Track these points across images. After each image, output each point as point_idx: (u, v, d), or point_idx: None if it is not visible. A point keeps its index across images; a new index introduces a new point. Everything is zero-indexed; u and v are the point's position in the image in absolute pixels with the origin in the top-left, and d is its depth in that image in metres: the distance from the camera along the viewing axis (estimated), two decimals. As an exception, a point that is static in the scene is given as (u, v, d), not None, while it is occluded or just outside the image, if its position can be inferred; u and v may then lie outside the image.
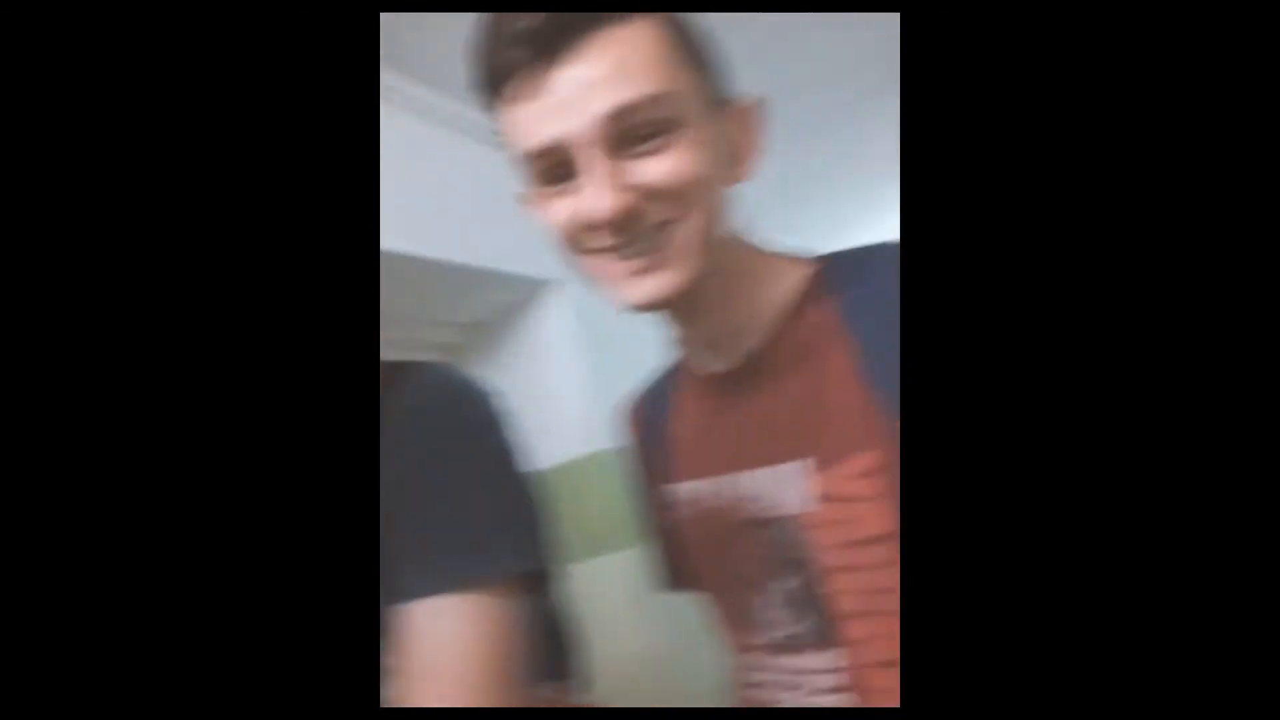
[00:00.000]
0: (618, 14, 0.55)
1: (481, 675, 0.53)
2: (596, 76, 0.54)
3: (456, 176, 1.87)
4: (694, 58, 0.60)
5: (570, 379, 2.00)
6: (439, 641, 0.53)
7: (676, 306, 0.62)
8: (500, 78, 0.58)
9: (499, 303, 2.06)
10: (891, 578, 0.57)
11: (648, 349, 1.95)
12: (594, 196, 0.55)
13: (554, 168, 0.57)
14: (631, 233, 0.56)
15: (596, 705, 0.62)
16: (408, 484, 0.57)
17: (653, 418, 0.80)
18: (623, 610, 1.83)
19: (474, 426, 0.61)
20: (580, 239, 0.59)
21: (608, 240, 0.57)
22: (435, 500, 0.57)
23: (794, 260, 0.69)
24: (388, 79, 1.72)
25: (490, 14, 0.57)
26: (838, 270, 0.66)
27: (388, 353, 0.73)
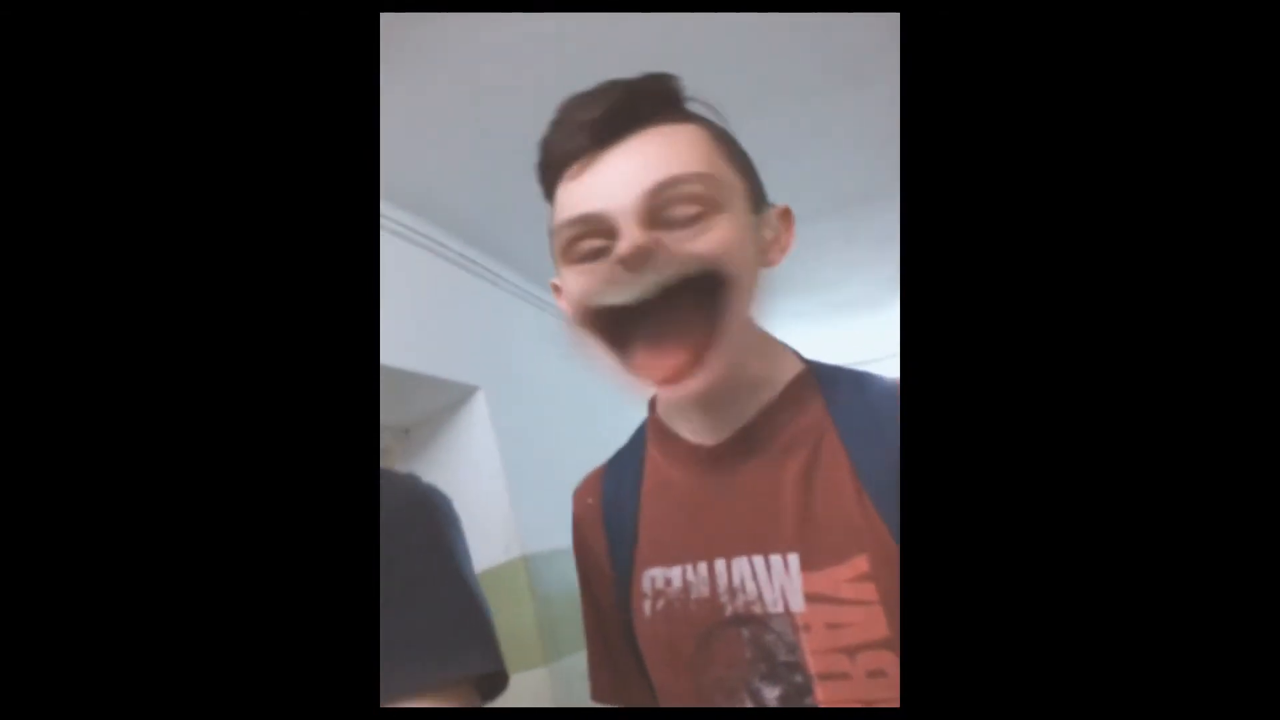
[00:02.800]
0: (669, 113, 0.62)
1: None
2: (644, 157, 0.59)
3: (390, 283, 1.92)
4: (736, 160, 0.64)
5: (488, 485, 2.01)
6: None
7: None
8: (562, 162, 0.63)
9: (426, 407, 2.08)
10: (887, 689, 0.54)
11: (570, 454, 1.98)
12: (624, 241, 0.57)
13: (589, 239, 0.60)
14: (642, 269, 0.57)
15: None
16: (389, 583, 0.58)
17: (618, 496, 0.74)
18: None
19: (433, 534, 0.64)
20: (598, 312, 0.60)
21: (627, 299, 0.59)
22: (403, 605, 0.59)
23: (787, 350, 0.70)
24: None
25: (562, 105, 0.63)
26: (830, 377, 0.67)
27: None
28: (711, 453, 0.66)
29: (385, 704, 0.57)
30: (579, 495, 0.79)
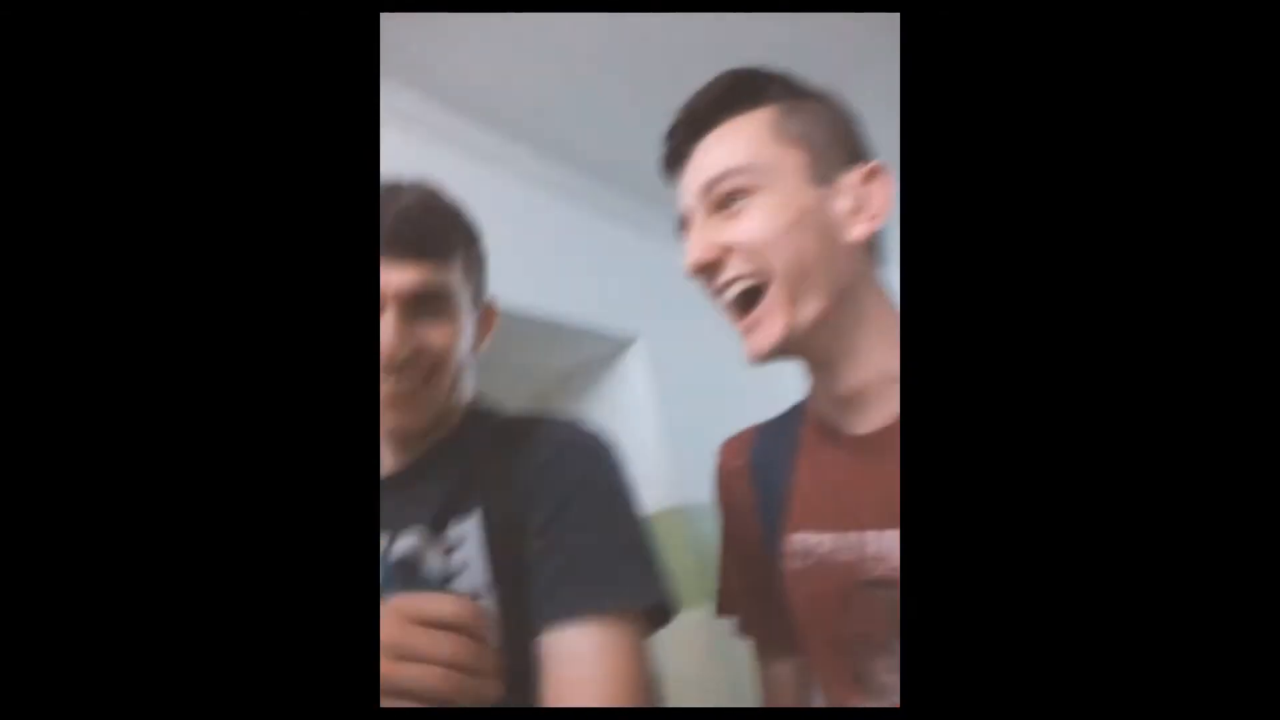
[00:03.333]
0: (747, 101, 0.67)
1: (617, 695, 0.55)
2: (707, 153, 0.66)
3: (550, 235, 1.96)
4: (796, 135, 0.66)
5: (651, 432, 2.03)
6: (580, 663, 0.57)
7: (803, 357, 0.67)
8: (673, 159, 0.70)
9: (587, 357, 2.13)
10: None
11: (727, 404, 1.96)
12: (688, 251, 0.66)
13: (685, 232, 0.69)
14: (715, 283, 0.66)
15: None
16: (549, 528, 0.63)
17: (770, 460, 0.77)
18: (696, 669, 1.82)
19: (602, 475, 0.67)
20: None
21: (709, 289, 0.67)
22: (574, 540, 0.62)
23: None
24: (495, 143, 1.83)
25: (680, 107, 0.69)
26: None
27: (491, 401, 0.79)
28: (863, 441, 0.68)
29: (552, 633, 0.59)
30: (729, 451, 0.83)
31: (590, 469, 0.66)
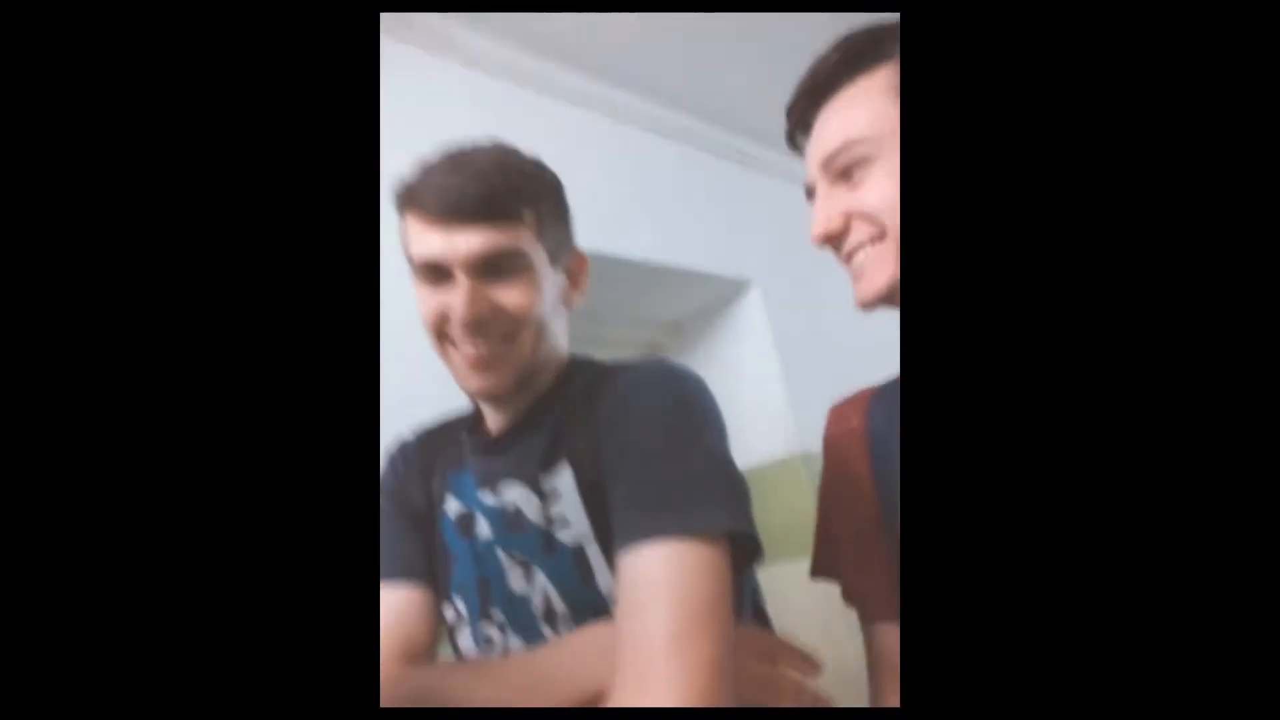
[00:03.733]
0: (863, 65, 0.67)
1: (689, 615, 0.54)
2: (825, 125, 0.68)
3: (660, 179, 1.92)
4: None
5: (767, 380, 1.99)
6: (649, 585, 0.55)
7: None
8: (796, 130, 0.72)
9: (700, 303, 2.10)
10: None
11: (847, 351, 1.87)
12: (813, 223, 0.69)
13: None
14: (842, 250, 0.69)
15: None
16: (631, 447, 0.62)
17: (888, 428, 0.75)
18: (802, 622, 1.79)
19: (690, 402, 0.65)
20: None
21: (837, 255, 0.70)
22: (645, 465, 0.61)
23: None
24: (597, 86, 1.79)
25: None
26: None
27: (593, 350, 0.78)
28: None
29: (624, 557, 0.57)
30: (840, 414, 0.81)
31: (666, 398, 0.65)
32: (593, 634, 0.61)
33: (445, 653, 0.75)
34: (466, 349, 0.67)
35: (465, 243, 0.65)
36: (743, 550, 0.61)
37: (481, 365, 0.68)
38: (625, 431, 0.63)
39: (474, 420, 0.79)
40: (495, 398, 0.71)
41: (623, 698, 0.53)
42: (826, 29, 0.72)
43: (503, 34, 1.60)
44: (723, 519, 0.59)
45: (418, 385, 1.13)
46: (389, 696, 0.65)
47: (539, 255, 0.70)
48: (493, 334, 0.67)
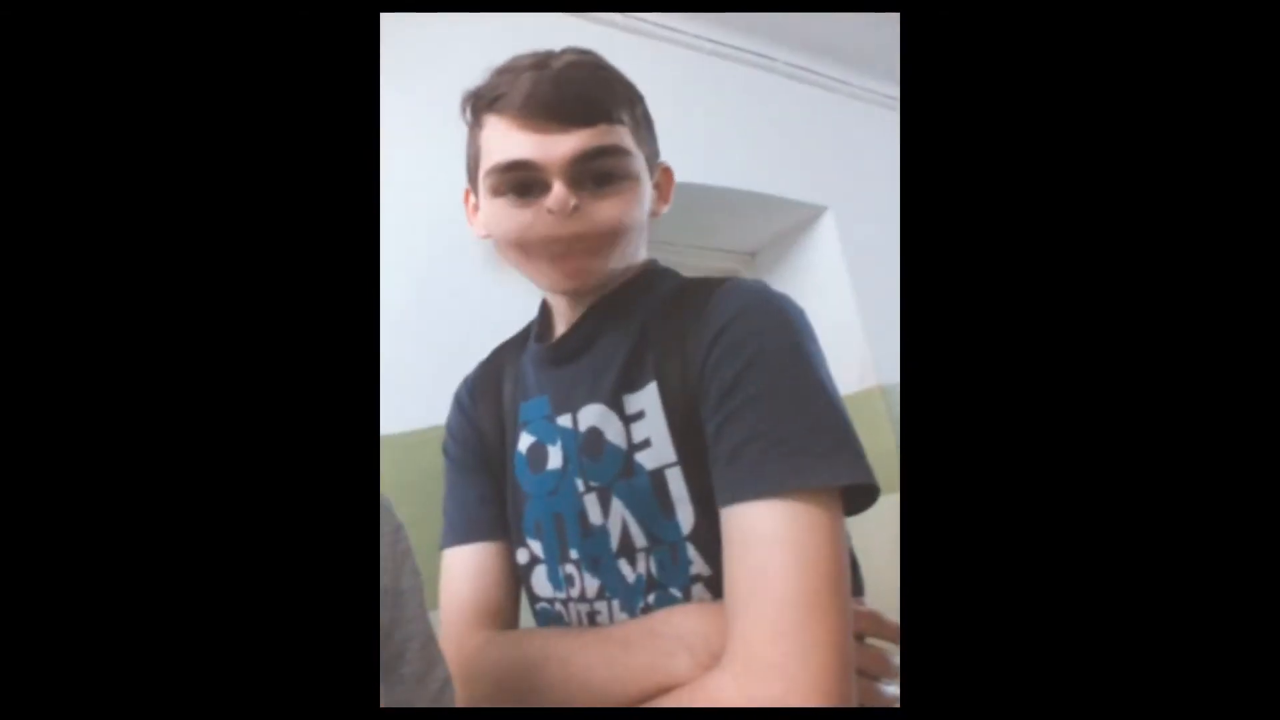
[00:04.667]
0: None
1: (808, 581, 0.51)
2: None
3: (732, 104, 1.84)
4: None
5: (845, 308, 1.93)
6: (765, 545, 0.53)
7: None
8: None
9: (774, 229, 2.03)
10: None
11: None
12: None
13: None
14: None
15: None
16: (727, 399, 0.57)
17: None
18: (888, 550, 1.77)
19: (800, 336, 0.60)
20: None
21: None
22: (755, 412, 0.56)
23: None
24: (668, 20, 1.72)
25: None
26: None
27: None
28: None
29: (734, 512, 0.54)
30: None
31: (772, 332, 0.59)
32: (682, 616, 0.58)
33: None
34: (556, 253, 0.63)
35: (563, 144, 0.61)
36: (854, 499, 0.57)
37: (572, 274, 0.64)
38: (731, 364, 0.57)
39: (541, 327, 0.75)
40: (578, 294, 0.68)
41: (732, 679, 0.50)
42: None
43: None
44: (845, 472, 0.55)
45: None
46: (471, 666, 0.64)
47: (639, 160, 0.65)
48: (587, 246, 0.63)
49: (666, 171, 0.74)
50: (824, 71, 2.06)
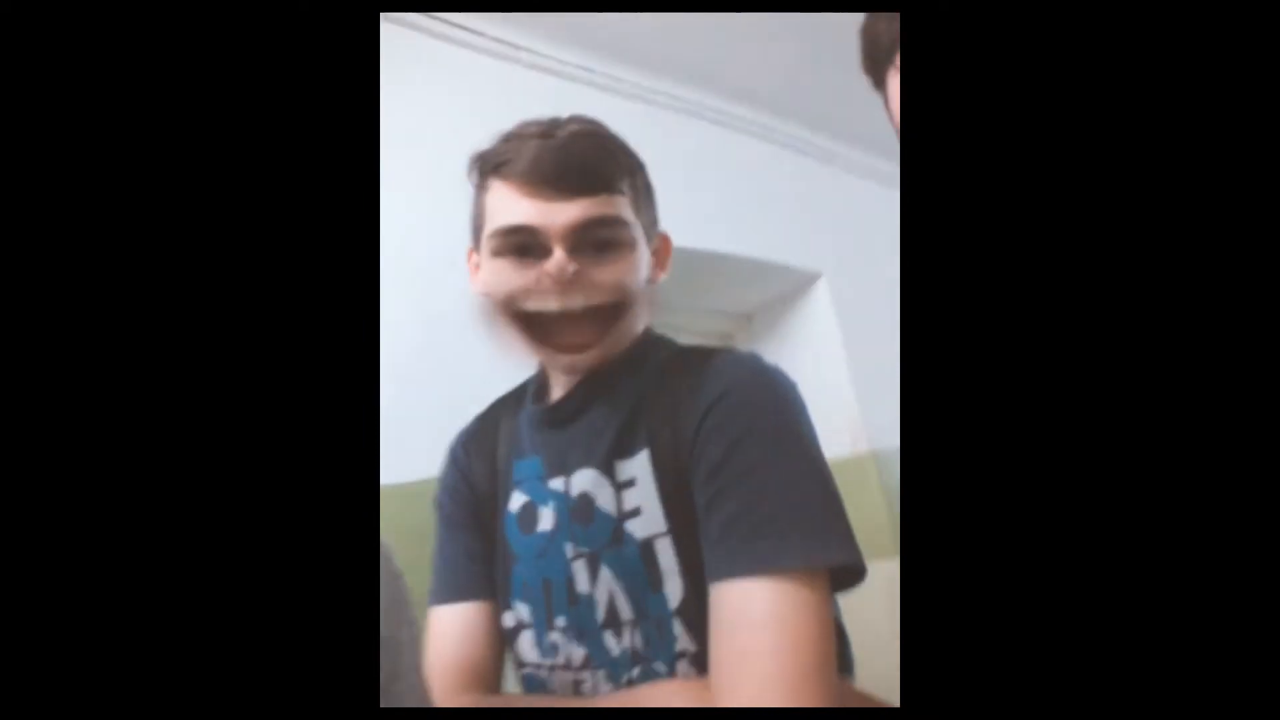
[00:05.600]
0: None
1: (797, 664, 0.51)
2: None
3: (730, 172, 1.89)
4: None
5: (838, 374, 1.94)
6: (753, 629, 0.52)
7: None
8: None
9: (769, 295, 2.06)
10: None
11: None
12: None
13: None
14: None
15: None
16: (719, 472, 0.57)
17: None
18: (886, 624, 1.75)
19: (784, 415, 0.60)
20: None
21: None
22: (747, 487, 0.56)
23: None
24: (674, 88, 1.77)
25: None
26: None
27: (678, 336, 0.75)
28: None
29: (722, 590, 0.54)
30: None
31: (765, 407, 0.59)
32: (668, 694, 0.57)
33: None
34: (559, 329, 0.64)
35: (565, 212, 0.62)
36: (841, 577, 0.57)
37: (574, 349, 0.65)
38: (723, 439, 0.58)
39: (538, 387, 0.75)
40: (575, 371, 0.68)
41: None
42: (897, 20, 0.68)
43: (564, 34, 1.59)
44: (833, 552, 0.55)
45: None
46: None
47: (637, 230, 0.67)
48: (590, 316, 0.64)
49: (665, 239, 0.75)
50: (822, 144, 2.12)
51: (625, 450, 0.63)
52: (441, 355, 1.26)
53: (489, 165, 0.67)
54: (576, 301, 0.63)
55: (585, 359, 0.66)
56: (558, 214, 0.62)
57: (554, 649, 0.66)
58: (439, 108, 1.39)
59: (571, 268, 0.62)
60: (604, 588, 0.62)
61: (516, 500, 0.70)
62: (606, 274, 0.64)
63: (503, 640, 0.70)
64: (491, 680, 0.69)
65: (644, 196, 0.70)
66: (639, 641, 0.61)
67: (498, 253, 0.66)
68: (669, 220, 0.76)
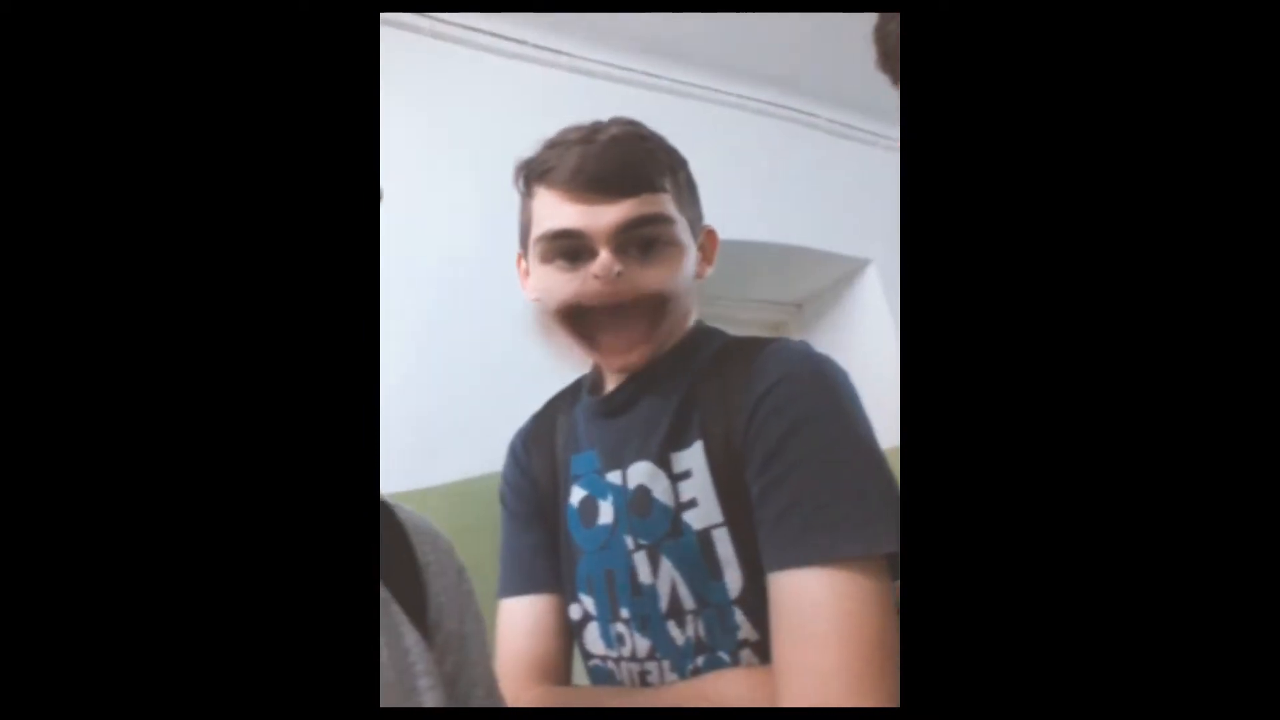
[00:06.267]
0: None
1: (856, 651, 0.51)
2: None
3: (778, 160, 1.88)
4: None
5: (889, 362, 1.92)
6: (812, 616, 0.52)
7: None
8: None
9: (819, 284, 2.05)
10: None
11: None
12: None
13: None
14: None
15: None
16: (772, 462, 0.57)
17: None
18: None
19: (845, 399, 0.61)
20: None
21: None
22: (801, 477, 0.57)
23: None
24: (720, 81, 1.77)
25: None
26: None
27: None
28: None
29: (780, 579, 0.54)
30: None
31: (816, 396, 0.59)
32: (731, 682, 0.58)
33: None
34: (605, 328, 0.66)
35: (608, 214, 0.64)
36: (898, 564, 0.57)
37: (623, 348, 0.66)
38: (776, 429, 0.58)
39: (593, 380, 0.76)
40: (628, 369, 0.69)
41: None
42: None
43: (605, 33, 1.60)
44: (888, 539, 0.54)
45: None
46: None
47: (681, 226, 0.68)
48: (638, 314, 0.65)
49: (710, 234, 0.75)
50: (866, 127, 2.09)
51: (679, 442, 0.64)
52: (489, 355, 1.28)
53: (534, 173, 0.68)
54: (625, 300, 0.64)
55: (636, 356, 0.67)
56: (601, 216, 0.64)
57: (619, 640, 0.67)
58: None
59: (617, 268, 0.63)
60: (666, 578, 0.63)
61: (576, 494, 0.71)
62: (652, 272, 0.65)
63: (571, 632, 0.72)
64: (561, 672, 0.71)
65: (687, 192, 0.71)
66: (702, 630, 0.62)
67: (545, 258, 0.67)
68: (715, 214, 0.77)
